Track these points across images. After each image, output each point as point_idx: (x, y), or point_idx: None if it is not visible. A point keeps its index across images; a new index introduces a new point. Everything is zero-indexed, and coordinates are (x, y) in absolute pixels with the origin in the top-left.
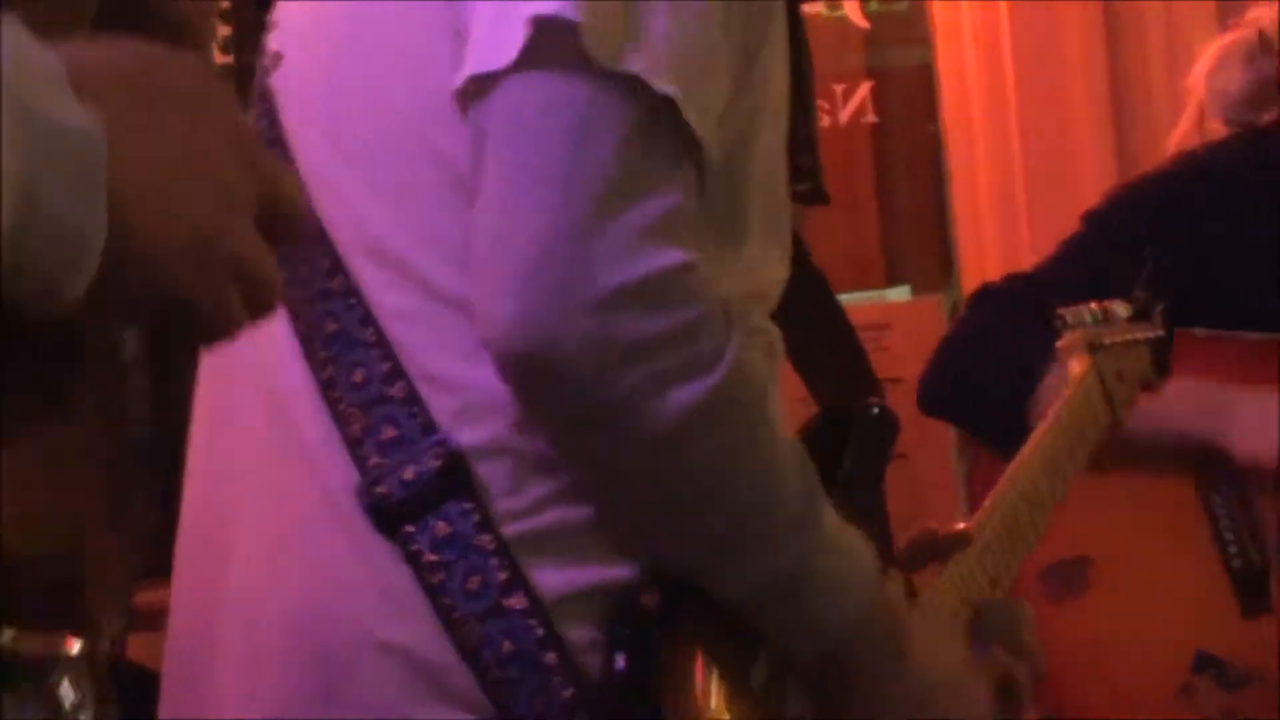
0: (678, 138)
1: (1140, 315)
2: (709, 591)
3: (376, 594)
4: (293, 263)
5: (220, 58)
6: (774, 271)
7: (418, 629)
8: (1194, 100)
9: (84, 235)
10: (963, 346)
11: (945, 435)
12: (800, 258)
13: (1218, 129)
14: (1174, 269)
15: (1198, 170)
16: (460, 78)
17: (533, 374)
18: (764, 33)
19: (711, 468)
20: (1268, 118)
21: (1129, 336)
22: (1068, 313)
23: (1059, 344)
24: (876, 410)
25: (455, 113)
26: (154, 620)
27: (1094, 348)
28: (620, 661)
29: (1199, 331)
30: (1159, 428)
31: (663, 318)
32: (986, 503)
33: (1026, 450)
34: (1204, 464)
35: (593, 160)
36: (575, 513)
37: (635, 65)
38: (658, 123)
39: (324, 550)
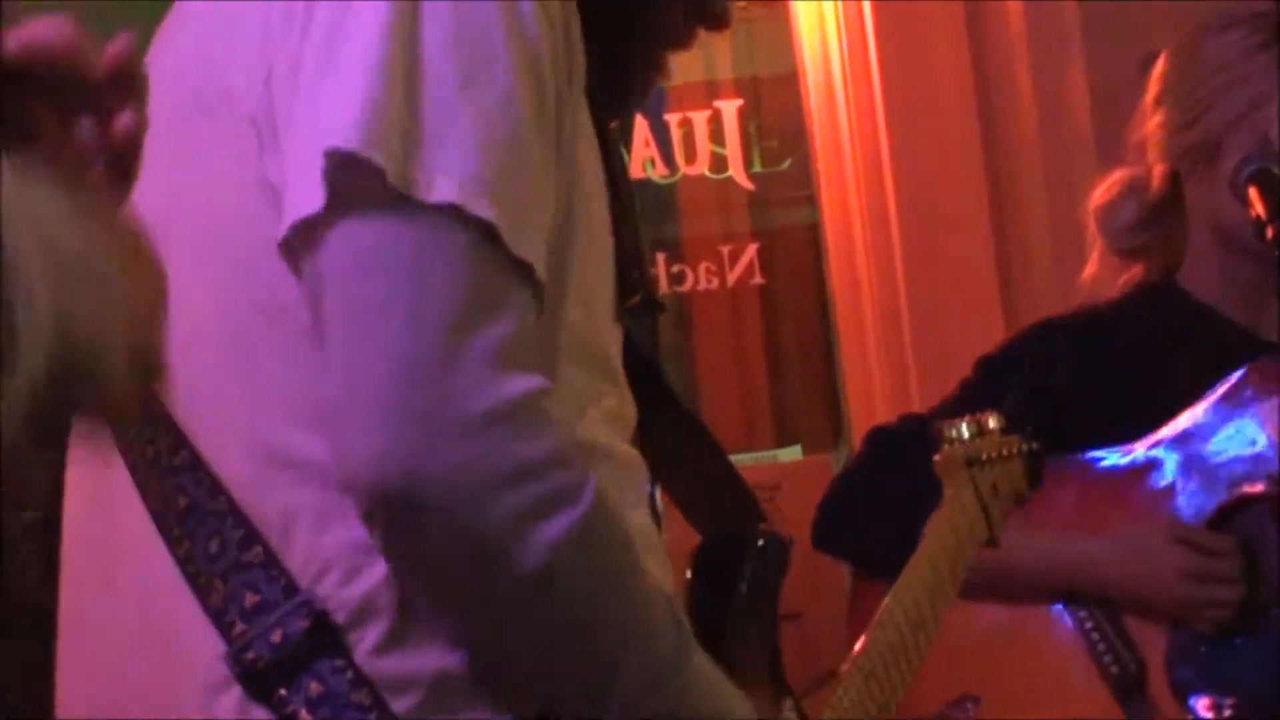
0: (507, 259)
1: (1012, 428)
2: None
3: None
4: (138, 444)
5: None
6: (610, 398)
7: None
8: (1095, 242)
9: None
10: (856, 485)
11: (839, 594)
12: (661, 393)
13: (1110, 261)
14: (1050, 418)
15: (1091, 323)
16: (283, 227)
17: (400, 509)
18: (573, 130)
19: (582, 603)
20: (1144, 242)
21: (1003, 450)
22: (944, 427)
23: (936, 458)
24: (767, 533)
25: (279, 272)
26: None
27: (970, 463)
28: None
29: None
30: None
31: (528, 444)
32: (870, 629)
33: (908, 572)
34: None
35: (432, 292)
36: (451, 661)
37: (449, 193)
38: (484, 245)
39: None
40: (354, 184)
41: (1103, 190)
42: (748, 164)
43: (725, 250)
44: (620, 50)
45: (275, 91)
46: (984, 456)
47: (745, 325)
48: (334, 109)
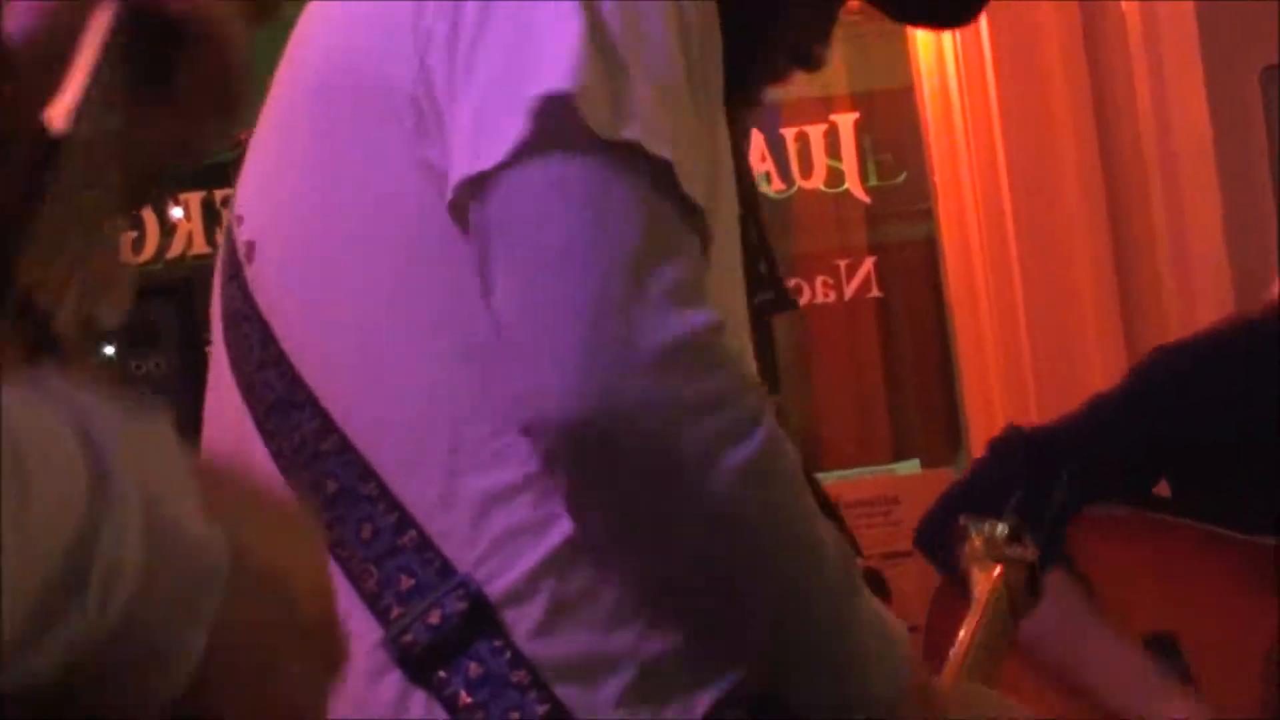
0: (680, 203)
1: (1014, 537)
2: (758, 664)
3: None
4: (282, 431)
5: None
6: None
7: None
8: None
9: (182, 649)
10: (967, 495)
11: None
12: None
13: None
14: (1179, 444)
15: (1223, 347)
16: (453, 185)
17: (592, 445)
18: (714, 113)
19: (766, 527)
20: None
21: (1012, 554)
22: (969, 521)
23: (963, 551)
24: (866, 573)
25: (439, 254)
26: None
27: (997, 557)
28: None
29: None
30: None
31: (712, 375)
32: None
33: (955, 658)
34: None
35: (614, 230)
36: (609, 643)
37: (632, 132)
38: (660, 188)
39: (360, 702)
40: (537, 132)
41: None
42: (864, 178)
43: (842, 264)
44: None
45: (434, 69)
46: (1008, 554)
47: (862, 339)
48: (519, 62)
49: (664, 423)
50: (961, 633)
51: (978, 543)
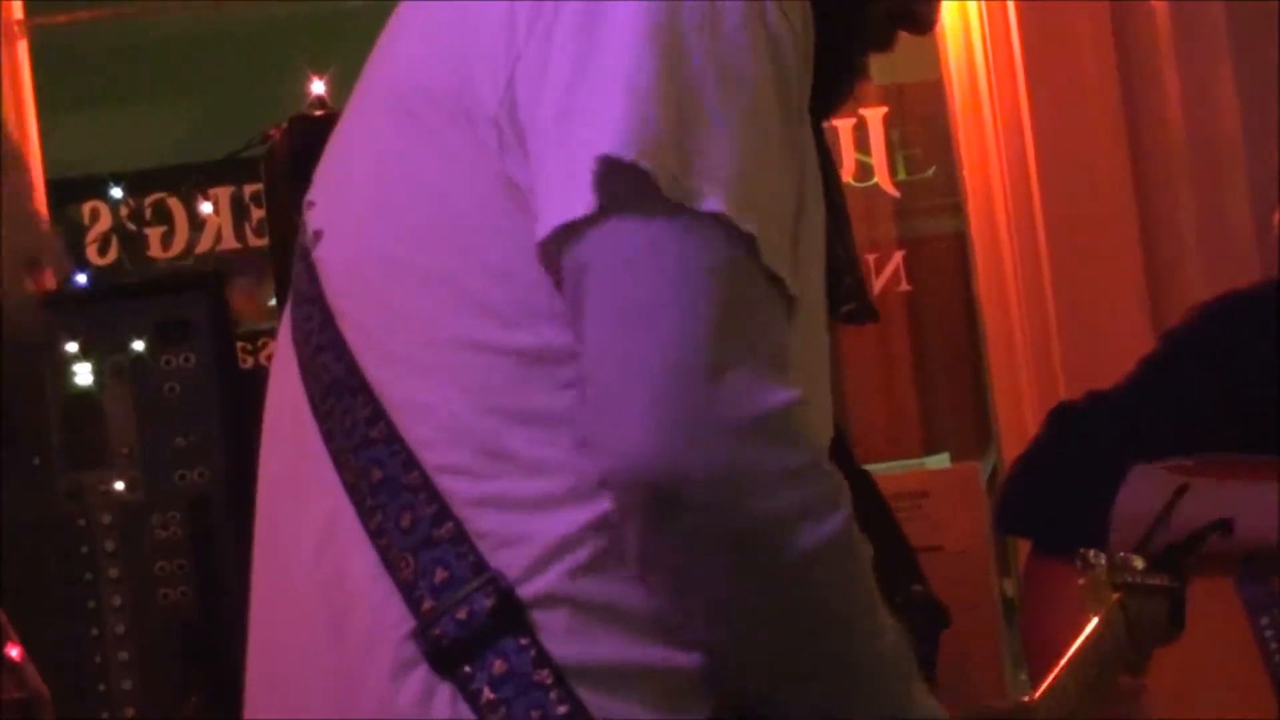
0: (765, 271)
1: (1155, 567)
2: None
3: None
4: (335, 414)
5: (254, 240)
6: (820, 418)
7: None
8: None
9: None
10: (1039, 465)
11: (990, 602)
12: (838, 443)
13: None
14: (1239, 389)
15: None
16: (546, 228)
17: (663, 507)
18: (805, 153)
19: (831, 602)
20: None
21: (1147, 581)
22: (1089, 553)
23: (1081, 581)
24: (924, 596)
25: (505, 267)
26: None
27: (1117, 585)
28: None
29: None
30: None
31: (793, 451)
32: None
33: (1056, 675)
34: (1248, 584)
35: (701, 299)
36: (636, 652)
37: (717, 204)
38: (746, 257)
39: (386, 698)
40: (626, 190)
41: None
42: (893, 171)
43: (871, 258)
44: (827, 53)
45: (519, 93)
46: (1131, 580)
47: (892, 333)
48: (605, 116)
49: (738, 491)
50: (1063, 659)
51: (1101, 572)
